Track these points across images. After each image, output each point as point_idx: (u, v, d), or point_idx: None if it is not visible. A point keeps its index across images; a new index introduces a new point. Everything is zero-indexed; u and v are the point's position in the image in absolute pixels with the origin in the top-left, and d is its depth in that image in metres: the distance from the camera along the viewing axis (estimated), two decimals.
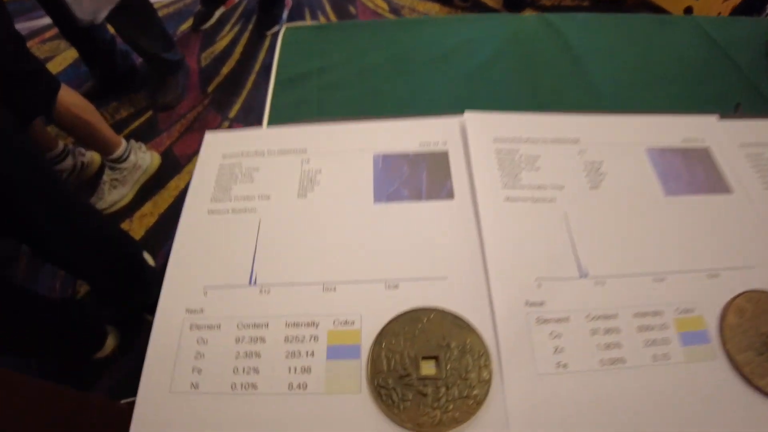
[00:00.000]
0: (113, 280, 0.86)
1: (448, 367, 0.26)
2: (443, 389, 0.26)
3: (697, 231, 0.32)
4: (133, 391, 0.27)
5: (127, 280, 0.88)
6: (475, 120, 0.36)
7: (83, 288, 1.05)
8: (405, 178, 0.34)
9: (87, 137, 1.07)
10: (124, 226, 1.13)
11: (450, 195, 0.33)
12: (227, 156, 0.37)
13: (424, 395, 0.26)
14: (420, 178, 0.34)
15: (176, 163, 1.25)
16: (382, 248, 0.31)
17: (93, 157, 1.23)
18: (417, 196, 0.34)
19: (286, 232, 0.32)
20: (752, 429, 0.25)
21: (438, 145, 0.36)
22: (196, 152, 0.43)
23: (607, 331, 0.28)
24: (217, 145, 0.38)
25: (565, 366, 0.27)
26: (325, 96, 0.46)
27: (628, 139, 0.37)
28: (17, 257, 1.10)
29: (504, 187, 0.33)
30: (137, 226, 1.13)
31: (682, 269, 0.30)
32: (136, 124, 1.37)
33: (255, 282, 0.30)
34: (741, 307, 0.29)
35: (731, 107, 0.43)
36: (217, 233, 0.33)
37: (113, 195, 1.17)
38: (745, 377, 0.26)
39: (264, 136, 0.38)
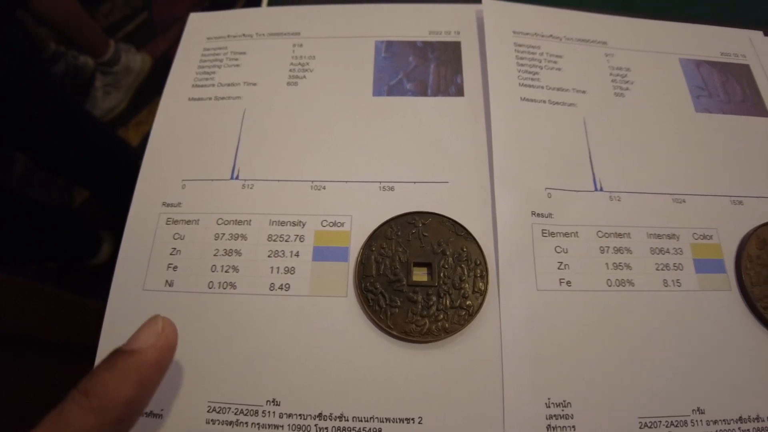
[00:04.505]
0: (113, 186, 0.84)
1: (442, 275, 0.24)
2: (434, 297, 0.24)
3: (726, 154, 0.29)
4: None
5: (126, 186, 0.86)
6: (494, 8, 0.32)
7: (80, 197, 1.04)
8: (410, 70, 0.31)
9: (72, 30, 1.00)
10: (120, 133, 1.10)
11: (459, 92, 0.30)
12: (212, 39, 0.33)
13: (414, 302, 0.24)
14: (427, 70, 0.31)
15: None
16: (378, 146, 0.28)
17: (87, 61, 1.17)
18: (422, 91, 0.30)
19: (273, 123, 0.29)
20: (758, 363, 0.24)
21: (450, 35, 0.32)
22: None
23: (618, 250, 0.26)
24: (202, 27, 0.33)
25: (568, 283, 0.25)
26: None
27: (661, 47, 0.33)
28: (12, 164, 1.08)
29: (521, 85, 0.30)
30: (133, 134, 1.10)
31: (704, 192, 0.27)
32: (131, 27, 1.29)
33: (237, 176, 0.27)
34: (763, 239, 0.26)
35: None
36: (197, 122, 0.29)
37: (108, 101, 1.13)
38: (758, 312, 0.24)
39: (253, 18, 0.33)
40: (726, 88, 0.32)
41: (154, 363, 0.18)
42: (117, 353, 0.18)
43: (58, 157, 0.77)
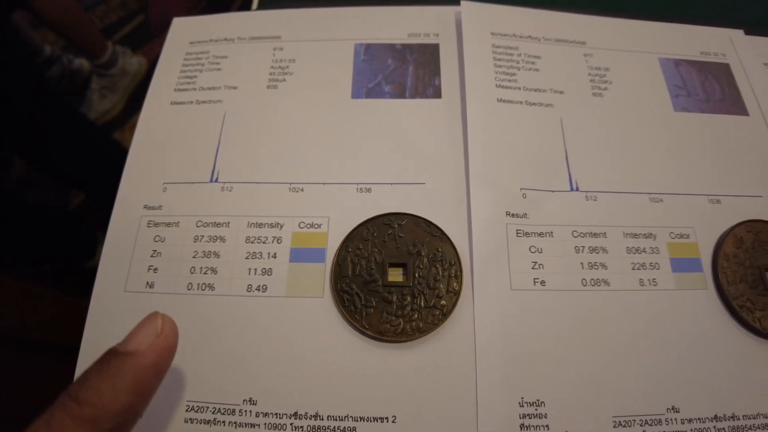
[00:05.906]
0: (109, 188, 0.85)
1: (417, 275, 0.25)
2: (409, 298, 0.24)
3: (704, 152, 0.29)
4: None
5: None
6: (472, 10, 0.32)
7: (77, 199, 1.05)
8: (389, 72, 0.31)
9: (71, 30, 1.00)
10: (116, 136, 1.10)
11: (437, 94, 0.30)
12: (195, 43, 0.33)
13: (389, 303, 0.24)
14: (405, 72, 0.31)
15: None
16: (356, 148, 0.28)
17: (82, 64, 1.17)
18: (400, 93, 0.30)
19: (253, 126, 0.29)
20: (734, 361, 0.24)
21: (429, 37, 0.32)
22: None
23: (593, 249, 0.26)
24: (185, 32, 0.34)
25: (542, 283, 0.25)
26: None
27: (640, 46, 0.33)
28: (10, 166, 1.09)
29: (497, 86, 0.30)
30: (129, 136, 1.09)
31: (682, 191, 0.28)
32: (127, 29, 1.29)
33: (217, 179, 0.28)
34: (740, 237, 0.26)
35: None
36: (179, 126, 0.30)
37: (104, 104, 1.13)
38: (734, 310, 0.24)
39: (235, 22, 0.34)
40: (705, 87, 0.32)
41: (151, 366, 0.16)
42: (111, 355, 0.16)
43: (54, 159, 0.77)
